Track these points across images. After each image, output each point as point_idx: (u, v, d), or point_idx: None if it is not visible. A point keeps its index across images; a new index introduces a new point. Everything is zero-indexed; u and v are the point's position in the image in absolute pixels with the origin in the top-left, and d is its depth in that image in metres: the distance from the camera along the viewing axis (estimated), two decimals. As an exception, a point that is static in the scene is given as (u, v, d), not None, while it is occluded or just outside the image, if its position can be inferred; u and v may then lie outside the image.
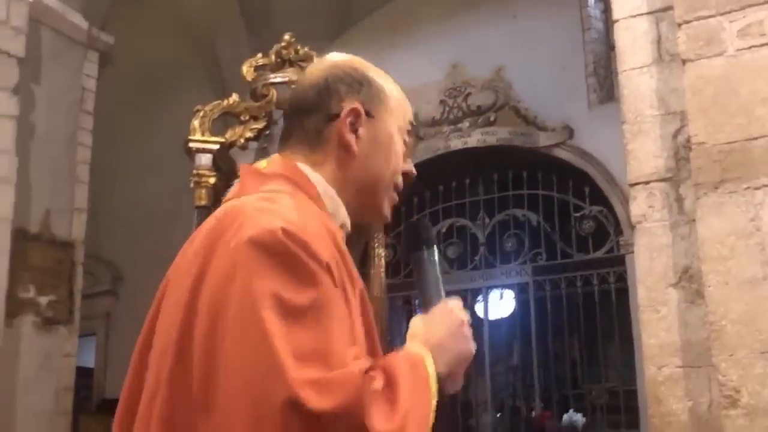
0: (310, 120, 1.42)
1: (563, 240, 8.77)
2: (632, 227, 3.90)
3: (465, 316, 1.36)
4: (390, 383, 1.18)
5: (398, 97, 1.50)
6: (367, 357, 1.23)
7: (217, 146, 5.55)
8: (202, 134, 5.53)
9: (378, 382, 1.16)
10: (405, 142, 1.48)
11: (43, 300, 6.54)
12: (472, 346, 1.35)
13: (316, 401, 1.09)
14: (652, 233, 3.66)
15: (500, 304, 10.07)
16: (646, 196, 3.71)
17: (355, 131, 1.41)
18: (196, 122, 5.53)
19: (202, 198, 5.52)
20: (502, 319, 10.01)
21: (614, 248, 8.45)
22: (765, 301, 3.07)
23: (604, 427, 8.75)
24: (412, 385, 1.20)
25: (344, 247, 1.33)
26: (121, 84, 8.67)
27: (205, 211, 5.65)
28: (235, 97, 5.81)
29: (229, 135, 5.76)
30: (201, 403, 1.16)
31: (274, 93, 6.02)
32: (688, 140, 3.55)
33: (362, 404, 1.12)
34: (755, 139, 3.25)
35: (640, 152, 3.76)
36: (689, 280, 3.54)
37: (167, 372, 1.22)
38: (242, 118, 5.79)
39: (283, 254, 1.17)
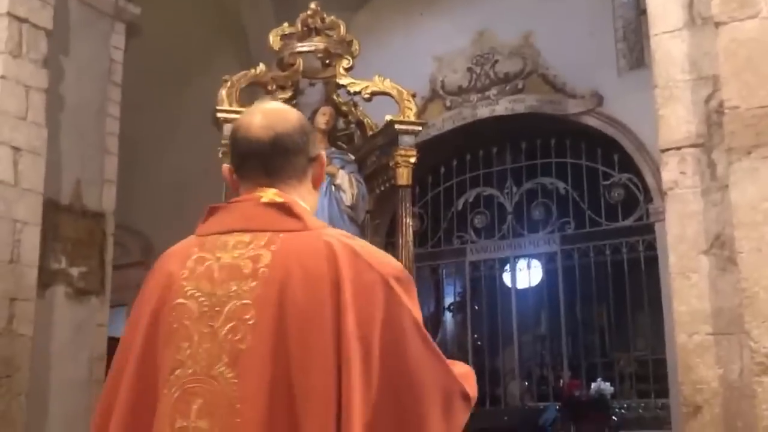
0: (298, 160, 1.69)
1: (592, 208, 8.71)
2: (663, 194, 3.86)
3: None
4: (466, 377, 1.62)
5: None
6: None
7: (244, 116, 5.58)
8: (230, 104, 5.54)
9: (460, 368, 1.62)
10: None
11: (75, 271, 6.61)
12: None
13: (471, 391, 1.59)
14: (684, 200, 3.62)
15: (528, 274, 10.03)
16: (677, 162, 3.67)
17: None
18: (223, 92, 5.54)
19: (231, 168, 5.57)
20: (530, 288, 9.98)
21: (644, 216, 8.38)
22: (799, 268, 3.03)
23: (633, 396, 8.73)
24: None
25: None
26: (149, 55, 8.67)
27: (234, 181, 5.68)
28: (262, 66, 5.81)
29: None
30: (394, 401, 1.46)
31: (300, 62, 6.01)
32: (720, 105, 3.49)
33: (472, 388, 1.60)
34: (790, 102, 3.19)
35: (671, 118, 3.71)
36: (721, 247, 3.50)
37: (358, 383, 1.44)
38: (269, 87, 5.80)
39: (410, 285, 1.57)
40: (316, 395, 1.42)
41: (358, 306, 1.46)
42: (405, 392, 1.46)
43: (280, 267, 1.51)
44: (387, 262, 1.56)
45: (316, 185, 1.74)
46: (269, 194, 1.64)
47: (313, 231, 1.58)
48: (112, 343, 7.95)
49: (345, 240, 1.57)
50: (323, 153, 1.76)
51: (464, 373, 1.61)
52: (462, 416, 1.54)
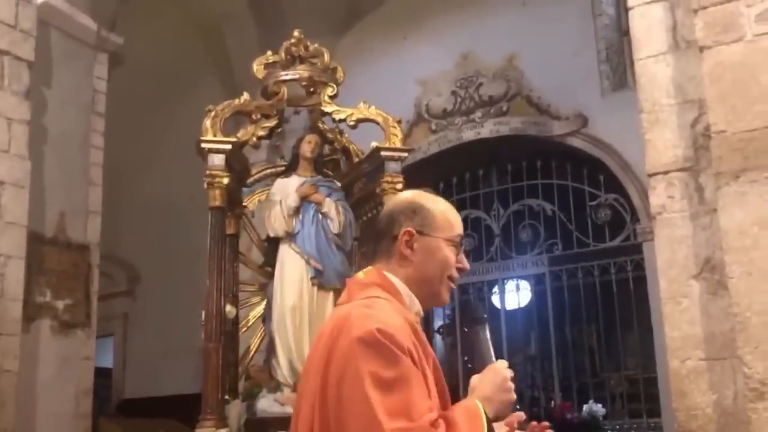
0: (384, 241, 2.08)
1: (579, 229, 8.71)
2: (650, 217, 3.84)
3: (509, 373, 1.94)
4: (452, 426, 1.80)
5: (446, 216, 2.09)
6: (438, 410, 1.83)
7: (229, 146, 5.52)
8: (214, 134, 5.50)
9: (442, 429, 1.77)
10: (456, 245, 2.07)
11: (60, 304, 6.53)
12: (512, 396, 1.93)
13: None
14: (673, 224, 3.61)
15: (517, 295, 10.01)
16: (665, 187, 3.66)
17: (410, 246, 2.03)
18: (207, 122, 5.50)
19: (216, 199, 5.50)
20: (518, 310, 9.95)
21: (631, 236, 8.39)
22: (790, 292, 3.01)
23: (625, 416, 8.70)
24: (468, 424, 1.82)
25: (419, 330, 1.97)
26: (132, 84, 8.64)
27: (219, 213, 5.64)
28: (246, 96, 5.78)
29: (241, 134, 5.74)
30: None
31: (284, 90, 5.99)
32: (707, 129, 3.49)
33: None
34: (776, 126, 3.18)
35: (658, 142, 3.70)
36: (711, 271, 3.48)
37: (312, 425, 1.88)
38: (254, 116, 5.77)
39: (379, 346, 1.81)
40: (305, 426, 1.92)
41: (335, 363, 1.85)
42: None
43: (323, 332, 1.98)
44: (354, 327, 1.85)
45: (402, 259, 2.03)
46: (362, 272, 2.10)
47: (351, 302, 2.00)
48: (99, 373, 7.88)
49: (355, 308, 1.93)
50: (411, 228, 2.03)
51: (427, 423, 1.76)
52: None
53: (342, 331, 1.88)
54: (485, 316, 2.15)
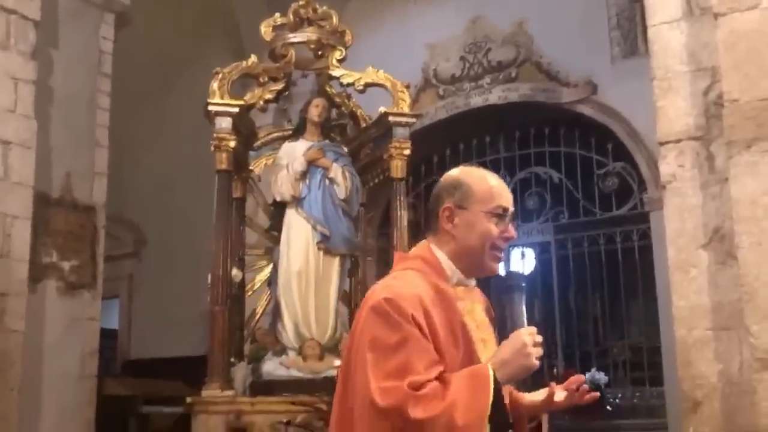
0: (432, 217, 2.22)
1: (586, 198, 8.67)
2: (658, 186, 3.82)
3: (530, 339, 1.99)
4: (446, 386, 1.92)
5: (486, 189, 2.18)
6: (438, 371, 1.95)
7: (236, 109, 5.50)
8: (221, 97, 5.48)
9: (427, 389, 1.90)
10: (497, 216, 2.15)
11: (66, 265, 6.55)
12: (530, 361, 1.98)
13: (381, 401, 1.91)
14: (683, 193, 3.58)
15: (522, 263, 10.00)
16: (676, 155, 3.62)
17: (451, 221, 2.16)
18: (215, 85, 5.47)
19: (223, 162, 5.49)
20: (523, 278, 9.95)
21: (638, 205, 8.35)
22: (800, 263, 3.00)
23: (628, 385, 8.73)
24: (466, 385, 1.93)
25: (451, 298, 2.11)
26: (139, 46, 8.58)
27: (226, 176, 5.63)
28: (253, 58, 5.74)
29: (249, 97, 5.71)
30: (349, 405, 2.03)
31: (292, 53, 5.94)
32: (719, 97, 3.45)
33: (406, 404, 1.89)
34: (790, 95, 3.14)
35: (670, 110, 3.66)
36: (720, 241, 3.46)
37: (338, 389, 2.12)
38: (261, 79, 5.73)
39: (384, 314, 2.00)
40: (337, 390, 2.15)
41: (356, 330, 2.08)
42: (350, 392, 2.04)
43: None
44: (372, 297, 2.06)
45: (445, 234, 2.17)
46: (415, 248, 2.27)
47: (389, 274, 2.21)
48: (105, 334, 7.92)
49: (384, 280, 2.16)
50: (451, 204, 2.16)
51: (407, 393, 1.91)
52: (367, 420, 1.94)
53: (366, 300, 2.09)
54: (522, 284, 2.23)
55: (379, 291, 2.08)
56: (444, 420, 1.89)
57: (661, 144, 3.68)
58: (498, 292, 8.44)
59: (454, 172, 2.28)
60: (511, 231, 2.18)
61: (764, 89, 3.21)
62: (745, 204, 3.17)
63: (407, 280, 2.11)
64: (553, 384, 2.17)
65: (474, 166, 2.33)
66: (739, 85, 3.26)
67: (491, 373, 1.95)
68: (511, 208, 2.20)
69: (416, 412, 1.89)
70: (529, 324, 2.23)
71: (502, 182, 2.25)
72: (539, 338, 2.00)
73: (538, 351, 1.99)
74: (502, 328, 2.32)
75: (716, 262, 3.46)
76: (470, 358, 2.07)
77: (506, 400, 2.11)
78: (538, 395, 2.27)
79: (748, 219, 3.15)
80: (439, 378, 1.95)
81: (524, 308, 2.02)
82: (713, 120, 3.57)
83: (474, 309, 2.22)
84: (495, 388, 1.93)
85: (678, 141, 3.62)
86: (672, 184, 3.63)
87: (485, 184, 2.20)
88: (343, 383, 2.08)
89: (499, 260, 2.20)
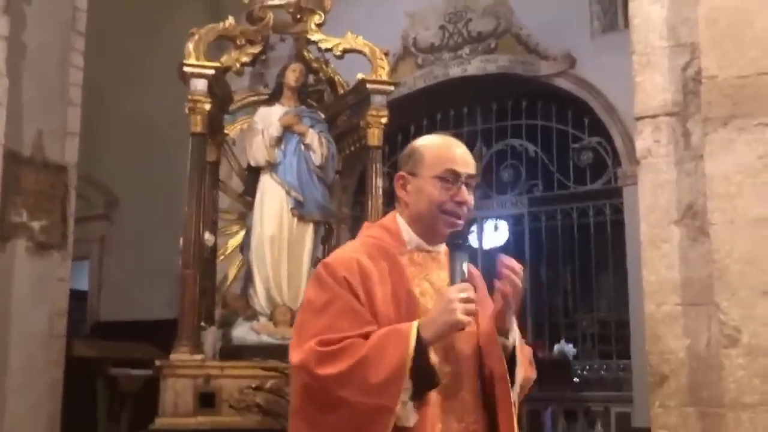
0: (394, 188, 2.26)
1: (560, 171, 8.70)
2: (633, 161, 3.82)
3: (455, 295, 1.95)
4: (362, 344, 1.93)
5: (436, 154, 2.19)
6: (364, 330, 1.97)
7: (212, 71, 5.43)
8: (197, 58, 5.40)
9: (337, 346, 1.93)
10: (447, 180, 2.15)
11: (36, 224, 6.46)
12: (456, 317, 1.94)
13: (293, 359, 1.99)
14: (657, 169, 3.58)
15: (495, 234, 10.04)
16: (652, 131, 3.62)
17: (404, 188, 2.21)
18: (190, 46, 5.40)
19: (197, 125, 5.43)
20: (495, 249, 10.00)
21: (611, 180, 8.40)
22: (771, 241, 3.02)
23: (596, 357, 8.83)
24: (383, 342, 1.93)
25: (401, 263, 2.14)
26: (115, 2, 8.44)
27: (200, 139, 5.57)
28: (231, 20, 5.66)
29: (225, 59, 5.64)
30: None
31: (270, 16, 5.86)
32: (698, 73, 3.44)
33: (311, 361, 1.94)
34: (768, 74, 3.14)
35: (648, 85, 3.65)
36: (693, 218, 3.47)
37: None
38: (238, 42, 5.66)
39: (318, 277, 2.09)
40: None
41: None
42: None
43: None
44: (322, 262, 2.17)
45: (400, 200, 2.23)
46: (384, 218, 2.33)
47: None
48: (74, 296, 7.86)
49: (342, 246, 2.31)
50: (403, 172, 2.20)
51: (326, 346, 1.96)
52: (292, 379, 2.05)
53: None
54: (463, 242, 2.18)
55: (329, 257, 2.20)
56: (354, 376, 1.90)
57: (638, 119, 3.67)
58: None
59: (413, 142, 2.30)
60: (463, 195, 2.16)
61: (742, 67, 3.20)
62: (718, 181, 3.18)
63: (354, 246, 2.19)
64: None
65: (442, 135, 2.34)
66: (718, 62, 3.25)
67: (414, 330, 1.93)
68: (467, 172, 2.18)
69: (322, 369, 1.91)
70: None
71: (459, 147, 2.23)
72: (469, 294, 1.97)
73: (467, 307, 1.95)
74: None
75: (688, 238, 3.47)
76: (412, 310, 2.07)
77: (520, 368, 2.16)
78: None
79: (721, 196, 3.16)
80: (364, 336, 1.95)
81: (465, 267, 1.99)
82: (691, 96, 3.57)
83: (437, 275, 2.19)
84: (418, 346, 1.91)
85: (654, 116, 3.61)
86: (647, 159, 3.62)
87: (436, 149, 2.21)
88: None
89: (453, 225, 2.17)
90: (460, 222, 2.18)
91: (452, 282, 2.03)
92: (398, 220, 2.23)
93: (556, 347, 8.74)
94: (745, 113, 3.16)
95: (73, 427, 6.89)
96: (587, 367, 8.75)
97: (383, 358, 1.90)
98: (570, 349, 8.72)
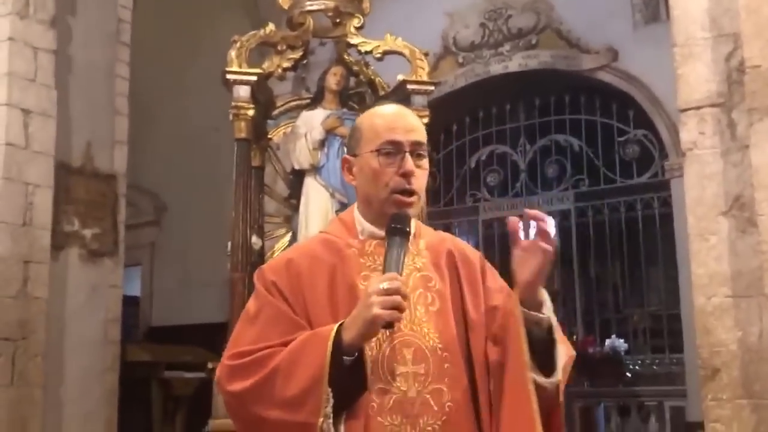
0: None
1: (606, 165, 8.62)
2: (680, 153, 3.80)
3: (374, 287, 1.69)
4: (278, 353, 1.73)
5: (371, 126, 1.94)
6: (289, 339, 1.75)
7: (254, 77, 5.49)
8: (240, 65, 5.47)
9: (248, 359, 1.75)
10: (387, 153, 1.88)
11: (88, 233, 6.61)
12: (372, 312, 1.66)
13: (216, 376, 1.83)
14: (703, 160, 3.56)
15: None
16: (696, 122, 3.59)
17: (350, 171, 1.97)
18: (233, 53, 5.46)
19: (242, 131, 5.50)
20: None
21: (659, 173, 8.30)
22: (821, 231, 2.98)
23: (647, 352, 8.73)
24: (298, 349, 1.71)
25: (348, 255, 1.90)
26: (158, 14, 8.58)
27: (245, 144, 5.64)
28: (271, 26, 5.72)
29: (267, 65, 5.70)
30: None
31: (310, 21, 5.91)
32: (741, 63, 3.41)
33: (222, 376, 1.79)
34: (814, 61, 3.11)
35: (691, 76, 3.63)
36: (740, 209, 3.44)
37: None
38: (279, 47, 5.71)
39: (254, 283, 1.91)
40: None
41: None
42: None
43: None
44: None
45: (349, 184, 2.04)
46: None
47: None
48: (127, 301, 8.01)
49: None
50: (346, 154, 2.01)
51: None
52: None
53: None
54: (401, 226, 1.84)
55: None
56: (266, 390, 1.70)
57: (682, 111, 3.65)
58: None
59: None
60: (407, 165, 1.87)
61: (787, 55, 3.17)
62: (765, 171, 3.15)
63: (298, 246, 2.16)
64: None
65: (386, 104, 2.08)
66: (761, 51, 3.22)
67: (333, 332, 1.69)
68: (410, 139, 1.89)
69: (232, 384, 1.75)
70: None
71: (399, 115, 1.97)
72: (393, 285, 1.68)
73: (387, 300, 1.66)
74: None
75: (736, 229, 3.45)
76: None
77: (561, 356, 1.80)
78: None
79: (768, 186, 3.13)
80: (286, 345, 1.74)
81: (402, 255, 1.75)
82: (735, 86, 3.54)
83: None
84: (339, 350, 1.67)
85: (699, 108, 3.59)
86: (692, 151, 3.60)
87: (372, 121, 1.97)
88: None
89: (402, 203, 1.88)
90: (411, 199, 1.88)
91: (384, 272, 1.75)
92: (355, 209, 2.01)
93: (607, 343, 8.66)
94: (791, 102, 3.12)
95: (129, 431, 7.03)
96: (639, 362, 8.65)
97: (298, 368, 1.69)
98: (621, 344, 8.62)
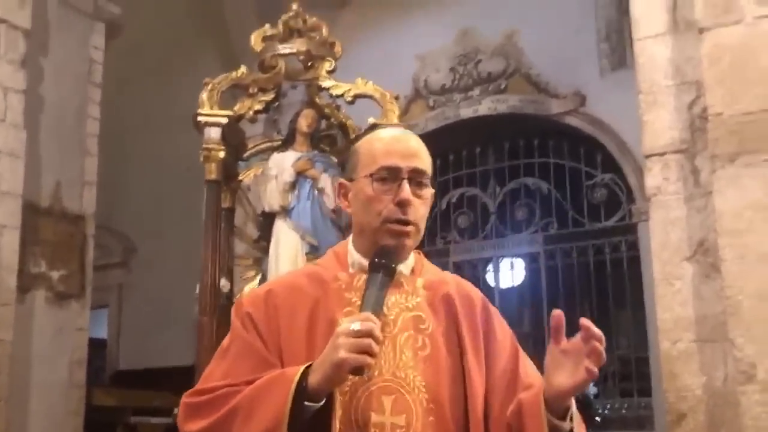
0: None
1: (575, 208, 8.71)
2: (646, 198, 3.85)
3: (344, 328, 1.55)
4: (239, 392, 1.60)
5: (369, 150, 1.81)
6: (254, 377, 1.62)
7: (225, 119, 5.51)
8: (211, 107, 5.49)
9: (206, 396, 1.64)
10: (382, 179, 1.75)
11: (55, 274, 6.54)
12: (338, 355, 1.52)
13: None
14: (668, 206, 3.61)
15: (511, 273, 10.02)
16: (661, 168, 3.66)
17: (346, 197, 1.84)
18: (204, 95, 5.49)
19: (212, 172, 5.50)
20: (513, 288, 9.98)
21: (626, 216, 8.39)
22: (782, 276, 3.03)
23: (617, 396, 8.75)
24: (261, 389, 1.57)
25: (327, 295, 1.75)
26: (130, 54, 8.60)
27: (215, 186, 5.64)
28: (243, 69, 5.76)
29: (238, 107, 5.72)
30: None
31: (282, 64, 5.96)
32: (704, 111, 3.48)
33: (182, 415, 1.68)
34: (774, 109, 3.18)
35: (655, 123, 3.70)
36: (704, 254, 3.49)
37: None
38: (251, 90, 5.74)
39: (232, 317, 1.80)
40: None
41: None
42: None
43: None
44: None
45: (344, 210, 1.93)
46: None
47: None
48: (94, 344, 7.90)
49: None
50: (342, 179, 1.89)
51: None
52: None
53: None
54: (384, 262, 1.69)
55: None
56: (221, 431, 1.57)
57: (647, 157, 3.71)
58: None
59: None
60: (404, 193, 1.72)
61: (747, 103, 3.24)
62: (728, 217, 3.20)
63: (279, 276, 2.05)
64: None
65: (387, 127, 2.03)
66: (723, 99, 3.29)
67: (298, 374, 1.55)
68: (409, 166, 1.75)
69: (188, 424, 1.63)
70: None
71: (399, 138, 1.82)
72: (365, 327, 1.53)
73: (358, 344, 1.51)
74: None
75: (701, 274, 3.49)
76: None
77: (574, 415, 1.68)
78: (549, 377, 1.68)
79: (731, 232, 3.18)
80: (250, 383, 1.61)
81: (383, 294, 1.57)
82: (698, 133, 3.61)
83: (391, 300, 1.74)
84: (299, 394, 1.52)
85: (663, 154, 3.66)
86: (657, 196, 3.66)
87: (370, 144, 1.82)
88: None
89: (398, 234, 1.73)
90: (407, 229, 1.73)
91: (361, 311, 1.62)
92: (349, 240, 1.86)
93: (576, 386, 8.65)
94: (752, 149, 3.19)
95: (93, 477, 6.90)
96: (608, 406, 8.66)
97: (258, 410, 1.54)
98: (591, 388, 8.64)
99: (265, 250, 5.92)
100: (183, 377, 6.10)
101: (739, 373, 3.10)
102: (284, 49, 5.85)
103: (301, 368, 1.56)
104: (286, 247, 5.71)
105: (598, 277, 8.66)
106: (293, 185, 5.73)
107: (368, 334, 1.52)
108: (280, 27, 5.85)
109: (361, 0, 9.63)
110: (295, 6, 5.85)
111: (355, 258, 1.80)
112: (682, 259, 3.53)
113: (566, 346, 1.68)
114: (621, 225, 8.43)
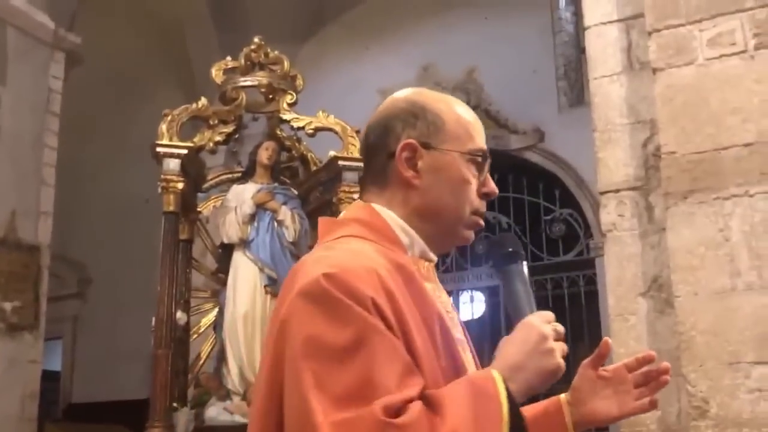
0: (376, 161, 1.47)
1: (533, 243, 8.79)
2: (603, 234, 3.90)
3: (548, 330, 1.34)
4: (436, 409, 1.20)
5: (462, 121, 1.50)
6: (418, 385, 1.23)
7: (185, 151, 5.49)
8: (170, 139, 5.46)
9: (407, 416, 1.17)
10: (478, 163, 1.49)
11: (8, 306, 6.43)
12: (555, 361, 1.32)
13: (328, 428, 1.15)
14: (622, 242, 3.66)
15: (471, 306, 10.07)
16: (616, 205, 3.71)
17: (413, 166, 1.44)
18: (163, 126, 5.46)
19: (170, 204, 5.46)
20: (473, 321, 10.01)
21: (584, 251, 8.49)
22: (733, 312, 3.08)
23: (574, 429, 8.76)
24: (468, 407, 1.21)
25: (417, 278, 1.39)
26: (90, 84, 8.54)
27: (173, 217, 5.59)
28: (203, 101, 5.75)
29: (198, 139, 5.70)
30: None
31: (243, 96, 5.96)
32: (658, 149, 3.55)
33: None
34: (725, 149, 3.25)
35: (610, 160, 3.76)
36: (659, 290, 3.54)
37: (260, 405, 1.34)
38: (211, 122, 5.74)
39: (324, 298, 1.25)
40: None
41: (278, 331, 1.30)
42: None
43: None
44: (302, 274, 1.30)
45: (407, 183, 1.44)
46: (345, 211, 1.54)
47: (314, 249, 1.44)
48: (47, 376, 7.76)
49: (313, 252, 1.41)
50: (413, 140, 1.45)
51: None
52: None
53: (292, 280, 1.33)
54: (518, 251, 1.50)
55: (312, 267, 1.31)
56: None
57: (602, 193, 3.76)
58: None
59: (407, 92, 1.56)
60: (492, 185, 1.52)
61: (699, 143, 3.31)
62: (681, 254, 3.25)
63: (353, 249, 1.36)
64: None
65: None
66: (676, 138, 3.36)
67: (501, 386, 1.26)
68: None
69: None
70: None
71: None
72: (560, 328, 1.36)
73: (562, 347, 1.34)
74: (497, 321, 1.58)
75: (655, 310, 3.54)
76: (455, 366, 1.38)
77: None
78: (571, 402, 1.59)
79: (684, 268, 3.23)
80: (422, 397, 1.22)
81: (527, 286, 1.34)
82: (652, 171, 3.67)
83: (442, 297, 1.51)
84: (510, 408, 1.24)
85: (618, 191, 3.71)
86: (612, 232, 3.71)
87: (455, 113, 1.50)
88: (268, 399, 1.32)
89: (478, 227, 1.51)
90: (482, 224, 1.53)
91: (516, 309, 1.41)
92: (385, 214, 1.45)
93: (535, 420, 8.67)
94: (704, 187, 3.25)
95: None
96: (566, 439, 8.68)
97: (462, 427, 1.19)
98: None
99: (224, 282, 5.87)
100: (137, 411, 6.03)
101: (692, 408, 3.13)
102: (245, 81, 5.85)
103: (497, 377, 1.27)
104: (245, 280, 5.67)
105: (557, 310, 8.58)
106: (252, 217, 5.71)
107: (563, 336, 1.36)
108: (242, 60, 5.87)
109: (324, 34, 9.70)
110: (257, 39, 5.87)
111: (418, 243, 1.46)
112: (636, 294, 3.58)
113: (607, 373, 1.58)
114: (579, 259, 8.53)
